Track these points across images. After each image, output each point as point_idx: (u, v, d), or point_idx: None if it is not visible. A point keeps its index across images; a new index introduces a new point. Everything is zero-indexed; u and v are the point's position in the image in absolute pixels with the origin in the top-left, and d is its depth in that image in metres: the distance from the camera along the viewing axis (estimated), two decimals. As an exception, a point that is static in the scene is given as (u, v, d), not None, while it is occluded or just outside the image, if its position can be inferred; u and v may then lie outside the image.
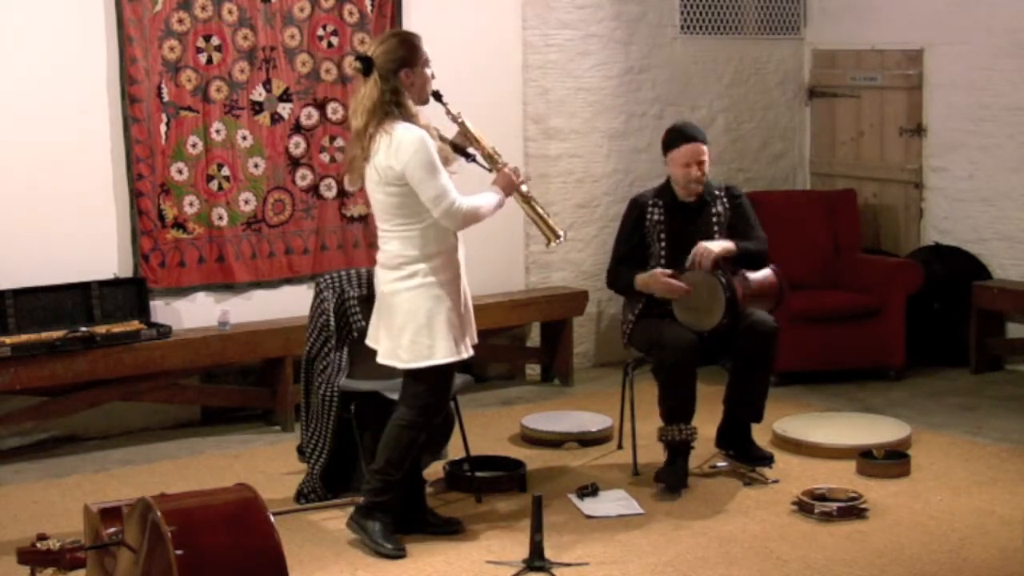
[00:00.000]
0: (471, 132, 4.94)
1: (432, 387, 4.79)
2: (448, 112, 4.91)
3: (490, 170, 4.95)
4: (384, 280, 4.78)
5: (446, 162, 4.76)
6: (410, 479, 5.01)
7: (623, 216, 5.74)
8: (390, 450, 4.81)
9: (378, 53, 4.69)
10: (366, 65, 4.67)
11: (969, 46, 7.56)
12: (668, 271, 5.45)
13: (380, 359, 4.84)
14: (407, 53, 4.69)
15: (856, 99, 8.17)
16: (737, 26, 8.16)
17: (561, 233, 5.00)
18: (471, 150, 4.95)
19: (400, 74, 4.66)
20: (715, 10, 8.05)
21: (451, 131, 4.98)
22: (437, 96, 4.83)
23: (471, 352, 4.86)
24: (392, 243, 4.73)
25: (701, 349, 5.41)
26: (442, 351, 4.70)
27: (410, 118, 4.67)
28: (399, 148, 4.59)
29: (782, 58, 8.36)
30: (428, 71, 4.76)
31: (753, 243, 5.57)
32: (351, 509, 4.92)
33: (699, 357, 5.42)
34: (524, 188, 4.97)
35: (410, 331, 4.70)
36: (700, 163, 5.50)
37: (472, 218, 4.72)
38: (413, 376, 4.78)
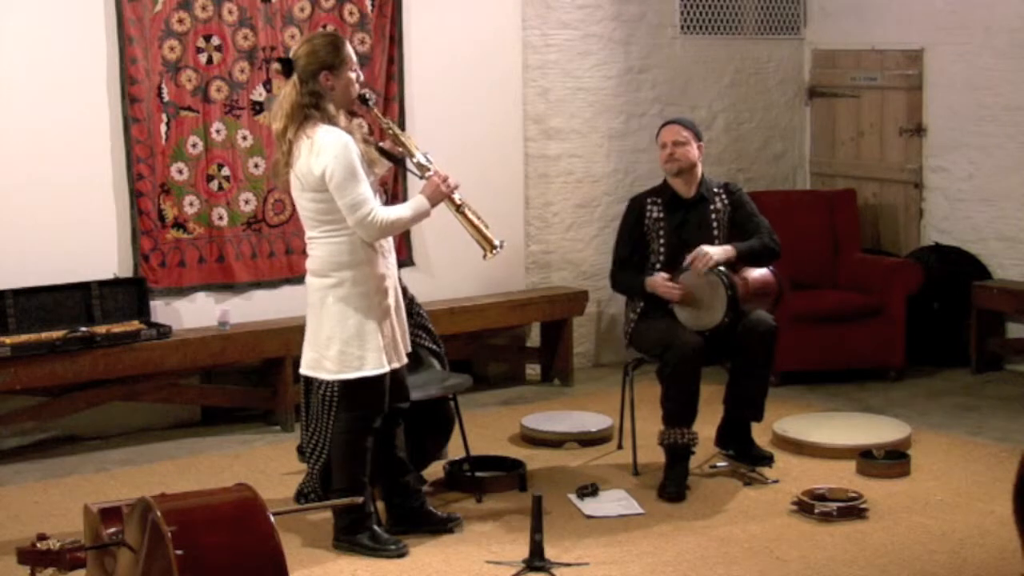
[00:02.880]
0: (400, 138, 4.84)
1: (364, 399, 4.71)
2: (376, 118, 4.83)
3: (421, 177, 4.84)
4: (312, 287, 4.69)
5: (372, 164, 4.66)
6: (399, 477, 4.99)
7: (623, 217, 5.74)
8: (344, 467, 4.75)
9: (299, 55, 4.60)
10: (286, 67, 4.60)
11: (969, 46, 7.56)
12: (666, 275, 5.45)
13: (302, 370, 4.78)
14: (328, 56, 4.58)
15: (856, 99, 8.17)
16: (737, 26, 8.16)
17: (497, 243, 4.84)
18: (403, 157, 4.85)
19: (320, 77, 4.56)
20: (715, 10, 8.05)
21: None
22: (364, 100, 4.72)
23: (404, 361, 4.80)
24: (320, 250, 4.63)
25: (704, 351, 5.41)
26: (372, 362, 4.64)
27: (330, 121, 4.57)
28: (320, 151, 4.50)
29: (782, 58, 8.36)
30: (353, 75, 4.65)
31: (756, 240, 5.55)
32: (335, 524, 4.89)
33: (703, 359, 5.42)
34: (456, 197, 4.81)
35: (339, 341, 4.62)
36: (676, 143, 5.53)
37: (389, 229, 4.62)
38: (343, 388, 4.70)
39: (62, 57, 6.09)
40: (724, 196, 5.64)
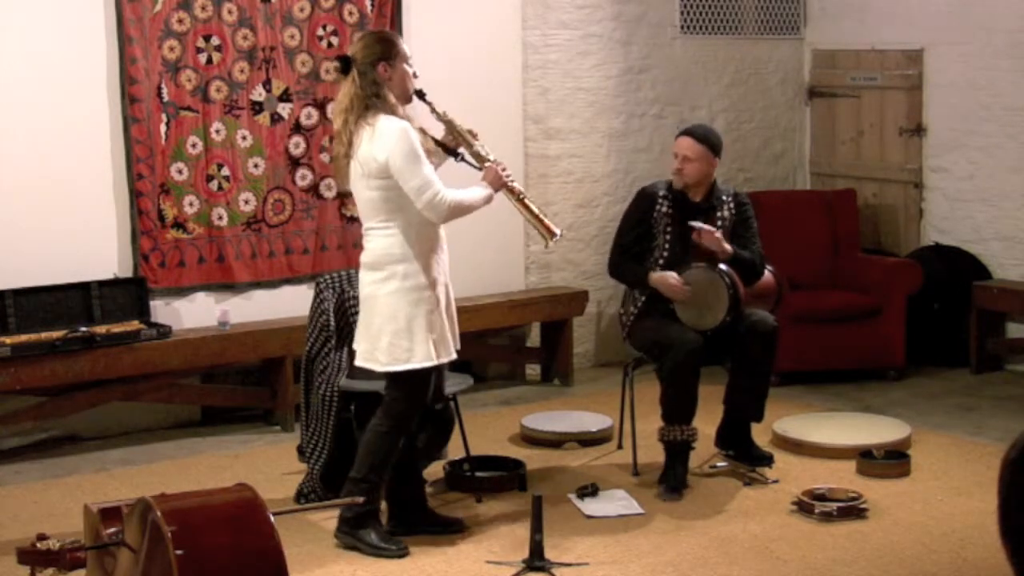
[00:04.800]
0: (459, 128, 4.92)
1: (409, 392, 4.75)
2: (433, 111, 4.90)
3: (478, 168, 4.93)
4: (365, 281, 4.74)
5: (428, 154, 4.72)
6: (408, 480, 5.00)
7: (630, 205, 5.74)
8: (371, 456, 4.77)
9: (355, 50, 4.70)
10: (345, 64, 4.68)
11: (969, 46, 7.56)
12: (679, 277, 5.45)
13: (358, 361, 4.81)
14: (384, 48, 4.68)
15: (856, 99, 8.17)
16: (737, 26, 8.16)
17: (558, 232, 4.97)
18: (460, 149, 4.93)
19: (378, 68, 4.65)
20: (715, 10, 8.05)
21: (438, 131, 4.96)
22: (420, 95, 4.82)
23: (453, 356, 4.83)
24: (375, 241, 4.69)
25: (704, 350, 5.41)
26: (420, 355, 4.67)
27: (391, 111, 4.64)
28: (381, 138, 4.58)
29: (782, 58, 8.36)
30: (409, 68, 4.74)
31: (748, 253, 5.57)
32: (338, 515, 4.90)
33: (702, 358, 5.43)
34: (516, 186, 4.94)
35: (388, 333, 4.66)
36: (686, 159, 5.51)
37: (456, 211, 4.67)
38: (391, 380, 4.75)
39: (62, 57, 6.09)
40: (732, 204, 5.64)
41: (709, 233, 5.40)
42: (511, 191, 4.92)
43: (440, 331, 4.74)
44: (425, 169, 4.60)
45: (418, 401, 4.80)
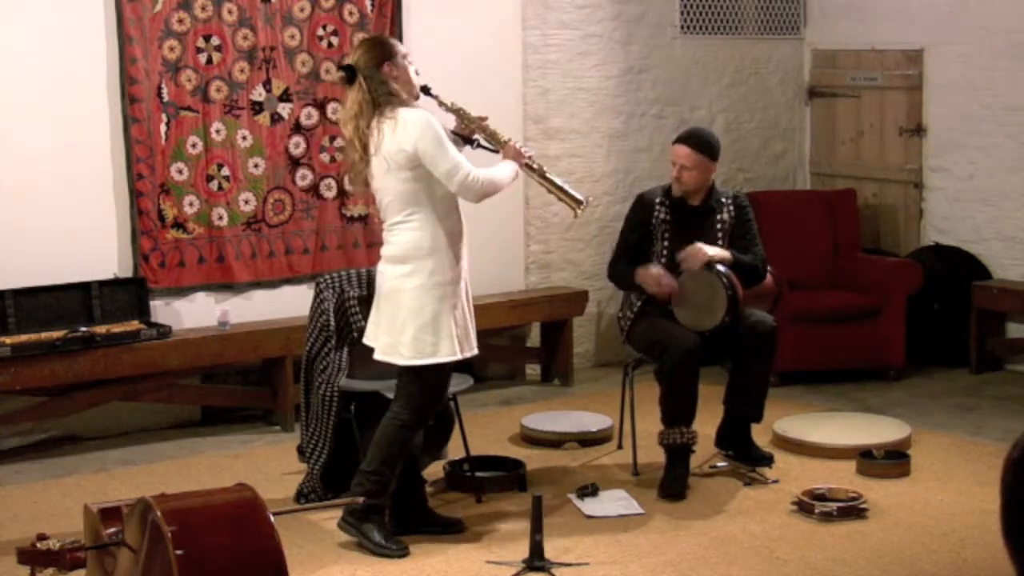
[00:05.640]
0: (469, 115, 4.97)
1: (430, 386, 4.78)
2: (441, 103, 4.96)
3: (496, 151, 4.98)
4: (388, 276, 4.75)
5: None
6: (409, 479, 5.01)
7: (629, 211, 5.74)
8: (384, 450, 4.78)
9: (357, 58, 4.73)
10: (350, 71, 4.71)
11: (969, 46, 7.56)
12: (661, 269, 5.45)
13: (378, 355, 4.81)
14: (384, 50, 4.74)
15: (856, 99, 8.17)
16: (737, 26, 8.16)
17: (582, 199, 5.04)
18: (475, 135, 4.99)
19: (383, 68, 4.69)
20: (715, 10, 8.05)
21: (449, 122, 4.99)
22: (426, 90, 4.87)
23: (475, 351, 4.85)
24: (401, 235, 4.70)
25: (703, 350, 5.41)
26: (445, 350, 4.70)
27: (406, 104, 4.69)
28: (406, 128, 4.61)
29: (782, 58, 8.36)
30: (410, 66, 4.79)
31: (749, 256, 5.56)
32: (341, 509, 4.90)
33: (701, 359, 5.42)
34: (535, 163, 5.02)
35: (413, 328, 4.68)
36: (682, 167, 5.49)
37: (489, 188, 4.72)
38: (412, 374, 4.76)
39: (62, 57, 6.09)
40: (732, 207, 5.63)
41: (696, 253, 5.39)
42: (531, 167, 5.00)
43: (463, 326, 4.78)
44: (452, 152, 4.65)
45: (438, 396, 4.84)
